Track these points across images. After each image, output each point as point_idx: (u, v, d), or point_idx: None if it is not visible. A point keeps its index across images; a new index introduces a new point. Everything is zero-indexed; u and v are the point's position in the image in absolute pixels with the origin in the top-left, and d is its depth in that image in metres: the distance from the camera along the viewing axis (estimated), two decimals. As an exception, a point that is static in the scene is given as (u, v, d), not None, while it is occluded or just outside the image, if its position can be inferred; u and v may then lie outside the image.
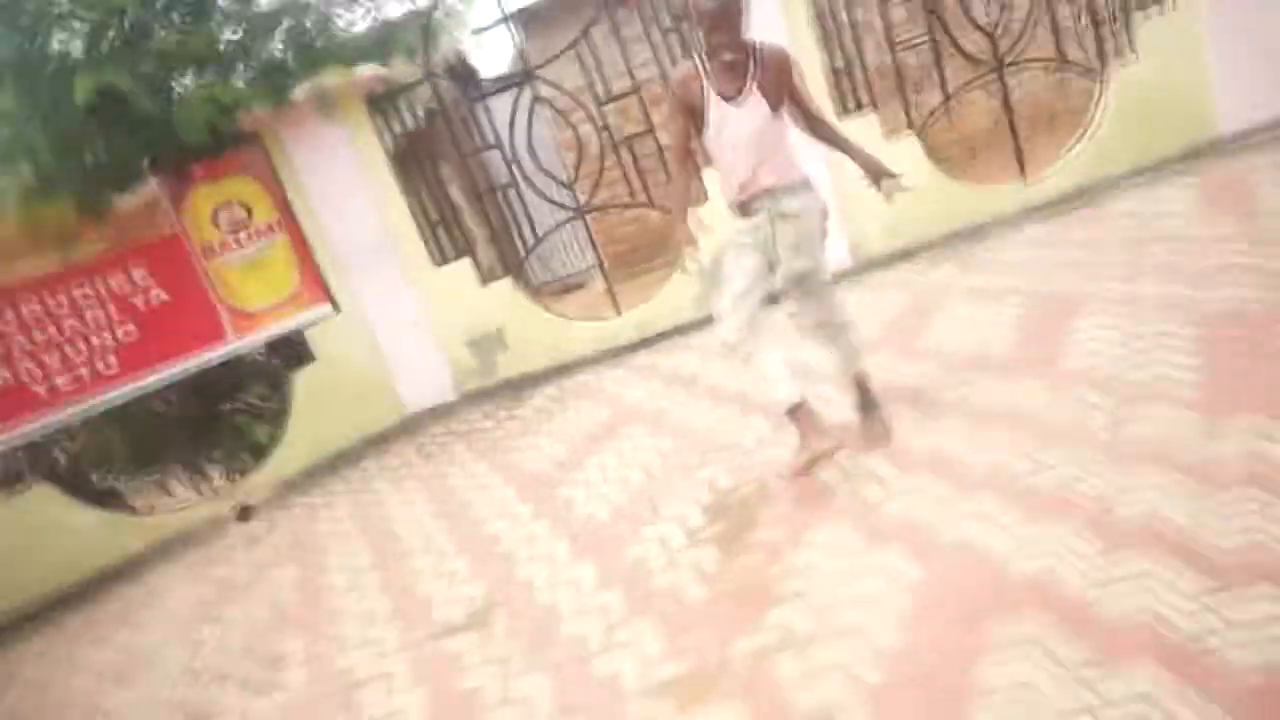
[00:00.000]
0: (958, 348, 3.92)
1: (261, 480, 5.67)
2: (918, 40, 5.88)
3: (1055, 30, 5.70)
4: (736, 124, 2.89)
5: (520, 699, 2.50)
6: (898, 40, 5.78)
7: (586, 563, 3.19)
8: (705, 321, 5.38)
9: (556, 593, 3.05)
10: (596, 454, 4.28)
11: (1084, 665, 1.86)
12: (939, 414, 3.31)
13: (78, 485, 5.41)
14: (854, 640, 2.21)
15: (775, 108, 2.92)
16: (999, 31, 5.62)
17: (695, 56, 2.95)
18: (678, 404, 4.60)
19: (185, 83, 5.26)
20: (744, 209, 3.01)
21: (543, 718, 2.38)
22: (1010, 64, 5.74)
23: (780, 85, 2.92)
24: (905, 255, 5.72)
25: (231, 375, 6.00)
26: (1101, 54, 5.67)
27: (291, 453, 5.75)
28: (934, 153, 5.83)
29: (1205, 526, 2.14)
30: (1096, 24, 5.62)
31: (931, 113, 6.09)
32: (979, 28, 5.64)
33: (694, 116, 2.95)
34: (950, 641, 2.08)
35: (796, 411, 2.97)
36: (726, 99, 2.87)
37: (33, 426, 5.02)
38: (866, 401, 3.27)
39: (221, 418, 6.02)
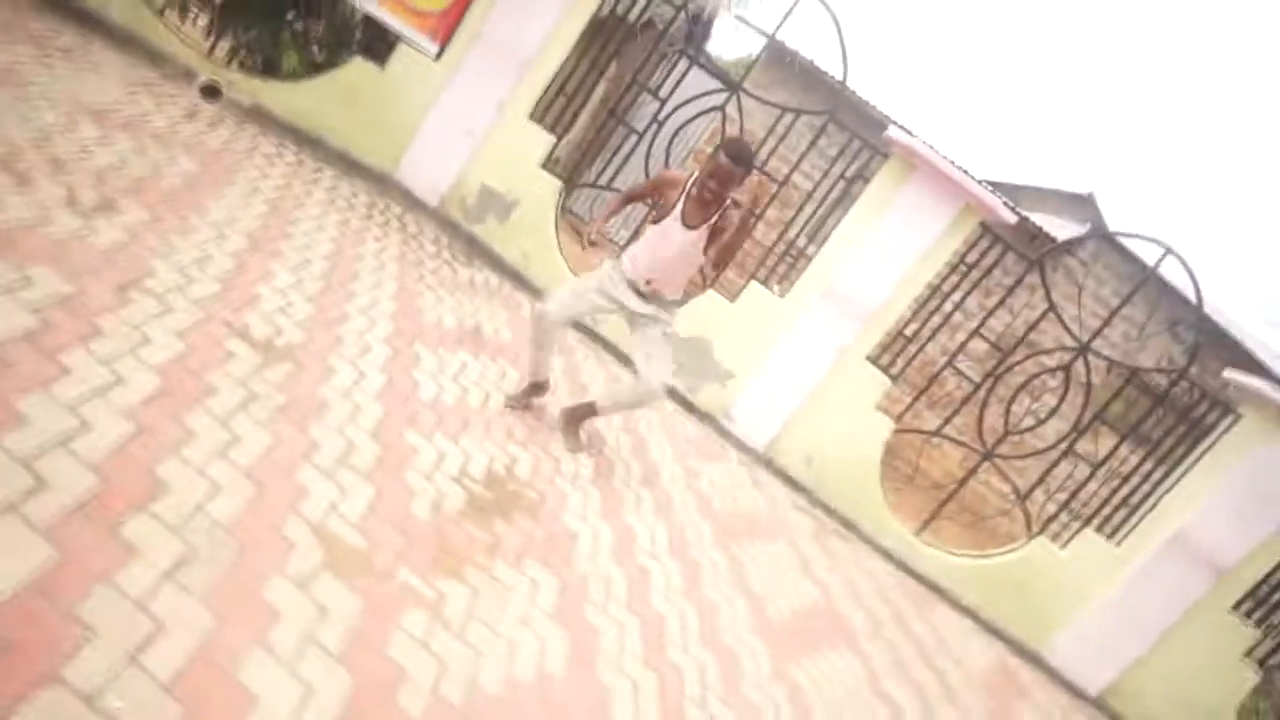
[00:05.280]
0: (752, 576, 4.17)
1: (251, 88, 5.56)
2: (966, 374, 6.27)
3: (1042, 477, 6.15)
4: (675, 239, 3.70)
5: (234, 433, 2.55)
6: (957, 360, 6.16)
7: (378, 407, 3.27)
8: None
9: (338, 401, 3.12)
10: (471, 353, 4.37)
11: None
12: (692, 600, 3.53)
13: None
14: (468, 658, 2.36)
15: (708, 248, 3.72)
16: (1013, 429, 6.01)
17: (693, 175, 3.71)
18: (565, 385, 4.73)
19: None
20: (639, 291, 3.85)
21: (233, 461, 2.44)
22: (995, 460, 6.16)
23: (724, 234, 3.68)
24: (795, 486, 6.02)
25: (318, 4, 5.90)
26: (1045, 526, 6.13)
27: (293, 99, 5.67)
28: (889, 452, 6.17)
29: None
30: (1064, 506, 6.10)
31: (920, 431, 6.47)
32: (1006, 415, 6.04)
33: (654, 196, 3.94)
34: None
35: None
36: (686, 221, 3.68)
37: None
38: (582, 416, 4.13)
39: (279, 18, 5.88)
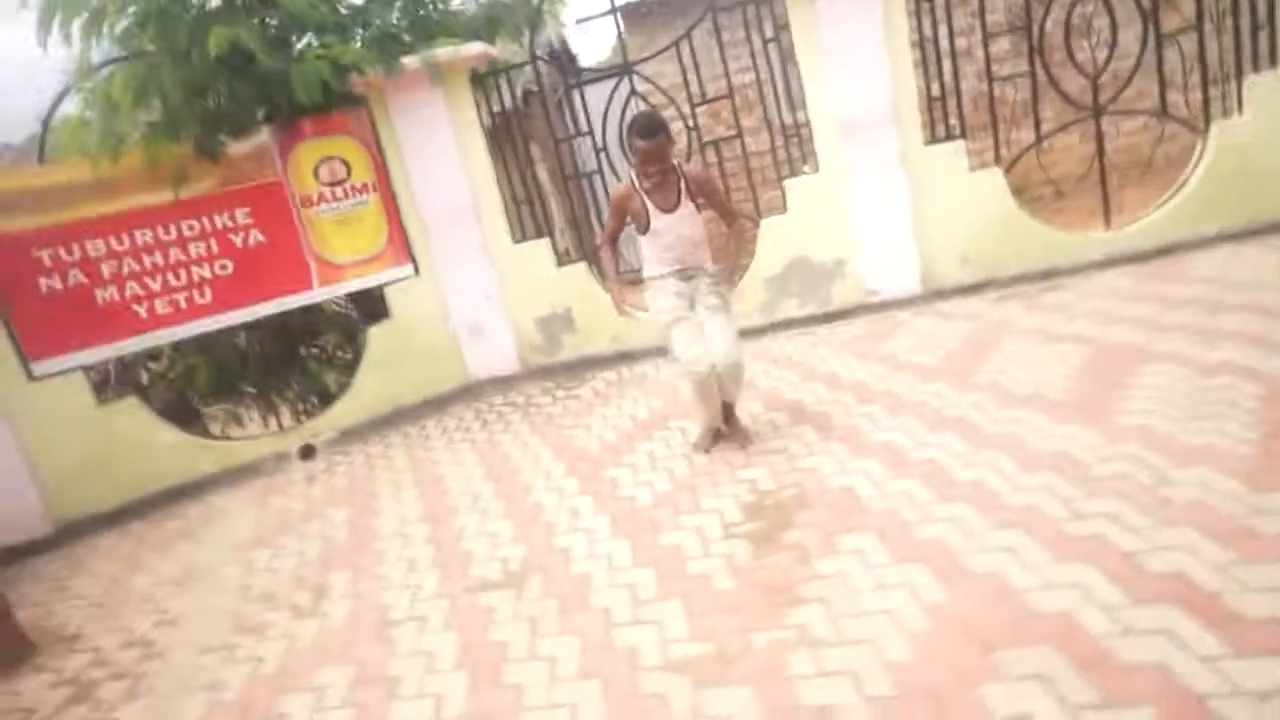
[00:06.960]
0: (1013, 385, 3.96)
1: (326, 424, 5.97)
2: (1017, 75, 5.86)
3: (1161, 80, 5.60)
4: (671, 227, 3.76)
5: (546, 656, 2.66)
6: (997, 72, 5.77)
7: (623, 541, 3.34)
8: (767, 329, 5.51)
9: (591, 565, 3.21)
10: (646, 441, 4.42)
11: (1087, 707, 1.92)
12: (985, 447, 3.38)
13: (161, 403, 5.76)
14: (867, 650, 2.31)
15: (700, 210, 3.82)
16: (1101, 75, 5.56)
17: (632, 175, 3.76)
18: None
19: (306, 42, 5.55)
20: (681, 275, 3.86)
21: (564, 677, 2.53)
22: (1109, 110, 5.67)
23: (705, 194, 3.81)
24: (975, 289, 5.73)
25: (312, 321, 6.32)
26: (1206, 110, 5.56)
27: (357, 402, 6.04)
28: (1019, 190, 5.80)
29: (1232, 594, 2.17)
30: (1205, 78, 5.52)
31: (1023, 150, 6.07)
32: (1080, 69, 5.59)
33: (627, 217, 3.85)
34: (960, 665, 2.16)
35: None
36: (663, 210, 3.72)
37: (129, 345, 5.37)
38: (729, 414, 4.08)
39: (297, 360, 6.34)
